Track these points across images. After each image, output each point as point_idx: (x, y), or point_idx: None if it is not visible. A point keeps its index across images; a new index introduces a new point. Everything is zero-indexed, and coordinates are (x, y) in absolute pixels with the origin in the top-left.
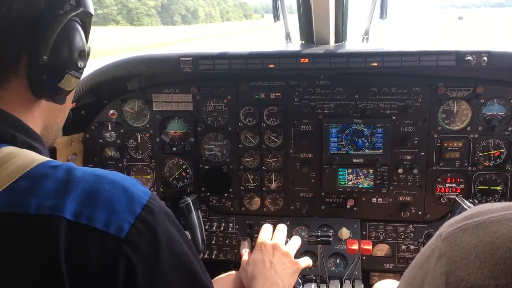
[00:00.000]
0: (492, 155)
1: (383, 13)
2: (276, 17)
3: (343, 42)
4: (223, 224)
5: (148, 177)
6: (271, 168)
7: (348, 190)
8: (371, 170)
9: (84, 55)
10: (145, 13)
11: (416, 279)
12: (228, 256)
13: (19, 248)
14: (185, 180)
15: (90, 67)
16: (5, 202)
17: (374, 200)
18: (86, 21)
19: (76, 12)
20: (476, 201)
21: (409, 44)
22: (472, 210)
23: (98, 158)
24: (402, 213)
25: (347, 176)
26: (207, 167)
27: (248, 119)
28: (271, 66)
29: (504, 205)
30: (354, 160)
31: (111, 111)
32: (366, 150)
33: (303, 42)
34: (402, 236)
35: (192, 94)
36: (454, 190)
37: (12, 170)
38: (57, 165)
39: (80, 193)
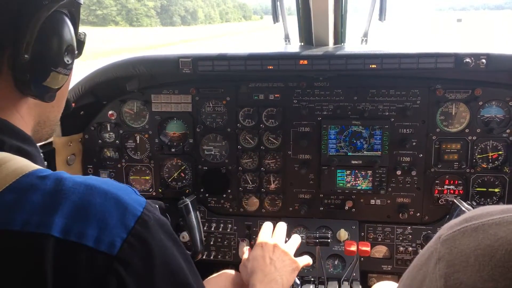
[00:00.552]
0: (490, 157)
1: (382, 15)
2: (276, 19)
3: (342, 43)
4: (222, 225)
5: (147, 177)
6: (269, 169)
7: (347, 191)
8: (369, 172)
9: (73, 49)
10: (145, 14)
11: (415, 282)
12: (227, 257)
13: (3, 267)
14: (184, 181)
15: (89, 68)
16: None
17: (372, 201)
18: (74, 11)
19: (62, 2)
20: (474, 203)
21: (407, 46)
22: (471, 213)
23: (97, 158)
24: (400, 214)
25: (345, 177)
26: (206, 168)
27: (247, 120)
28: (270, 67)
29: (503, 207)
30: (353, 162)
31: (110, 112)
32: (365, 152)
33: (302, 43)
34: (400, 238)
35: (191, 95)
36: (452, 192)
37: None
38: (45, 175)
39: (70, 207)
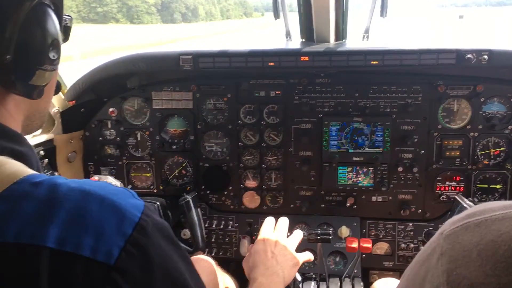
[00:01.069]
0: (492, 153)
1: (383, 11)
2: (276, 15)
3: (343, 40)
4: (223, 222)
5: (148, 175)
6: (271, 166)
7: (348, 188)
8: (371, 169)
9: (58, 43)
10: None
11: (417, 277)
12: (228, 254)
13: None
14: (185, 178)
15: (90, 66)
16: None
17: (374, 198)
18: (57, 1)
19: None
20: (475, 199)
21: (409, 43)
22: (474, 209)
23: (98, 156)
24: (402, 211)
25: (347, 174)
26: (207, 165)
27: (248, 117)
28: (271, 64)
29: (506, 203)
30: (354, 159)
31: (111, 109)
32: (366, 149)
33: (303, 40)
34: (402, 235)
35: (192, 92)
36: (454, 188)
37: None
38: (39, 181)
39: (65, 215)
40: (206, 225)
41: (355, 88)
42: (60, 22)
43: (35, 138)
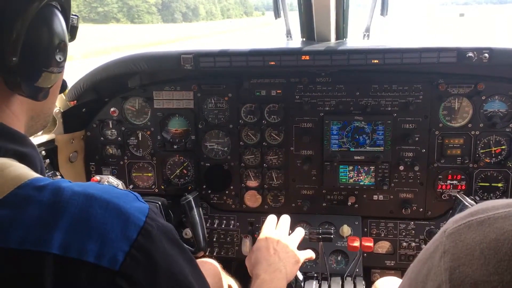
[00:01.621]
0: (493, 152)
1: (384, 10)
2: (277, 14)
3: (344, 39)
4: (224, 221)
5: (149, 174)
6: (272, 166)
7: (349, 187)
8: (372, 167)
9: (65, 45)
10: (146, 10)
11: (420, 275)
12: (230, 253)
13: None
14: (186, 178)
15: (91, 66)
16: None
17: (375, 197)
18: (65, 3)
19: None
20: (477, 198)
21: (410, 41)
22: (477, 207)
23: (99, 156)
24: (403, 210)
25: (348, 173)
26: (208, 164)
27: (249, 116)
28: (272, 63)
29: (508, 201)
30: (355, 157)
31: (112, 109)
32: (367, 147)
33: (304, 39)
34: (403, 233)
35: (193, 91)
36: (455, 187)
37: None
38: (42, 185)
39: (69, 220)
40: (208, 225)
41: (356, 87)
42: (67, 23)
43: (36, 138)
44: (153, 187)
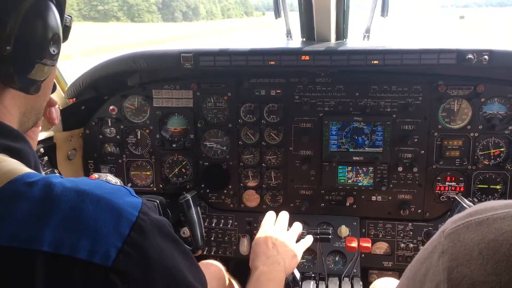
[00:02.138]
0: (492, 154)
1: (384, 11)
2: (277, 14)
3: (344, 39)
4: (222, 220)
5: (148, 173)
6: (271, 165)
7: (348, 187)
8: (371, 168)
9: (59, 38)
10: (146, 9)
11: (418, 275)
12: (227, 252)
13: None
14: (185, 177)
15: (91, 64)
16: None
17: (373, 198)
18: None
19: None
20: (475, 199)
21: (410, 42)
22: (476, 207)
23: (98, 154)
24: (402, 211)
25: (346, 173)
26: (207, 163)
27: (248, 116)
28: (271, 63)
29: (507, 202)
30: (354, 158)
31: (111, 107)
32: (366, 148)
33: (304, 39)
34: (401, 234)
35: (192, 90)
36: (453, 188)
37: None
38: (33, 181)
39: (60, 217)
40: (206, 224)
41: (355, 88)
42: (62, 18)
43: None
44: (151, 185)
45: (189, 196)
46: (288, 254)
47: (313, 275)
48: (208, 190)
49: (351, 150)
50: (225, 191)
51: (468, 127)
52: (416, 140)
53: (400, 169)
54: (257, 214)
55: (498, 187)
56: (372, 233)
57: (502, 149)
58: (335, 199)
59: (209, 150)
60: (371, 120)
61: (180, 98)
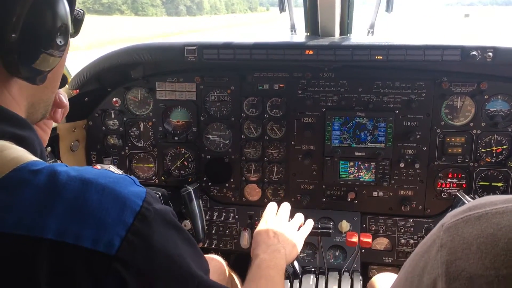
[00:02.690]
0: (494, 151)
1: (389, 7)
2: (282, 8)
3: (348, 34)
4: (224, 214)
5: (150, 165)
6: (273, 159)
7: (349, 183)
8: (372, 164)
9: (66, 29)
10: (150, 3)
11: (417, 269)
12: (228, 245)
13: None
14: (187, 169)
15: (95, 56)
16: None
17: (375, 193)
18: None
19: None
20: (476, 197)
21: (414, 38)
22: (475, 202)
23: (101, 145)
24: (403, 207)
25: (348, 169)
26: (209, 157)
27: (251, 110)
28: (275, 57)
29: (507, 197)
30: (356, 153)
31: (114, 99)
32: (369, 144)
33: (308, 34)
34: (402, 230)
35: (195, 83)
36: (455, 185)
37: None
38: (38, 169)
39: (65, 205)
40: (207, 217)
41: (358, 83)
42: (72, 10)
43: None
44: (153, 178)
45: (191, 189)
46: (289, 243)
47: (313, 269)
48: (210, 183)
49: (353, 145)
50: (227, 185)
51: (471, 124)
52: (418, 136)
53: (402, 165)
54: (259, 208)
55: (499, 184)
56: (373, 228)
57: (504, 147)
58: (337, 194)
59: (211, 144)
60: (373, 115)
61: (184, 91)
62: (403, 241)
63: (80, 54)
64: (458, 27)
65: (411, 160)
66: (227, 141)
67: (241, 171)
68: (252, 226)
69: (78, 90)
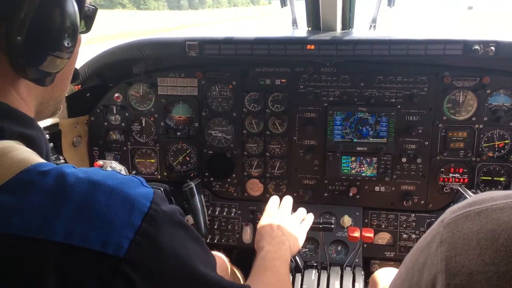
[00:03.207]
0: (496, 146)
1: (391, 1)
2: (283, 3)
3: (350, 29)
4: (226, 209)
5: (152, 161)
6: (274, 155)
7: (351, 178)
8: (374, 159)
9: (74, 30)
10: None
11: (417, 264)
12: (230, 241)
13: (1, 275)
14: (189, 165)
15: (97, 51)
16: None
17: (376, 188)
18: None
19: None
20: (479, 191)
21: (416, 33)
22: (475, 198)
23: (103, 141)
24: (405, 202)
25: (350, 164)
26: (211, 152)
27: (252, 105)
28: (277, 52)
29: (507, 193)
30: (358, 148)
31: (116, 94)
32: (370, 139)
33: (310, 28)
34: (404, 225)
35: (197, 78)
36: (457, 180)
37: None
38: (46, 170)
39: (73, 207)
40: (209, 212)
41: (360, 78)
42: (81, 10)
43: (40, 122)
44: (155, 173)
45: (193, 184)
46: (293, 235)
47: (315, 264)
48: (212, 179)
49: (355, 140)
50: (228, 180)
51: (473, 118)
52: (420, 131)
53: (404, 160)
54: (261, 203)
55: (501, 179)
56: (375, 223)
57: (506, 141)
58: (338, 189)
59: (213, 139)
60: (375, 110)
61: (185, 86)
62: (405, 236)
63: (82, 49)
64: (461, 20)
65: (413, 155)
66: (229, 137)
67: (243, 166)
68: (254, 221)
69: (80, 86)
